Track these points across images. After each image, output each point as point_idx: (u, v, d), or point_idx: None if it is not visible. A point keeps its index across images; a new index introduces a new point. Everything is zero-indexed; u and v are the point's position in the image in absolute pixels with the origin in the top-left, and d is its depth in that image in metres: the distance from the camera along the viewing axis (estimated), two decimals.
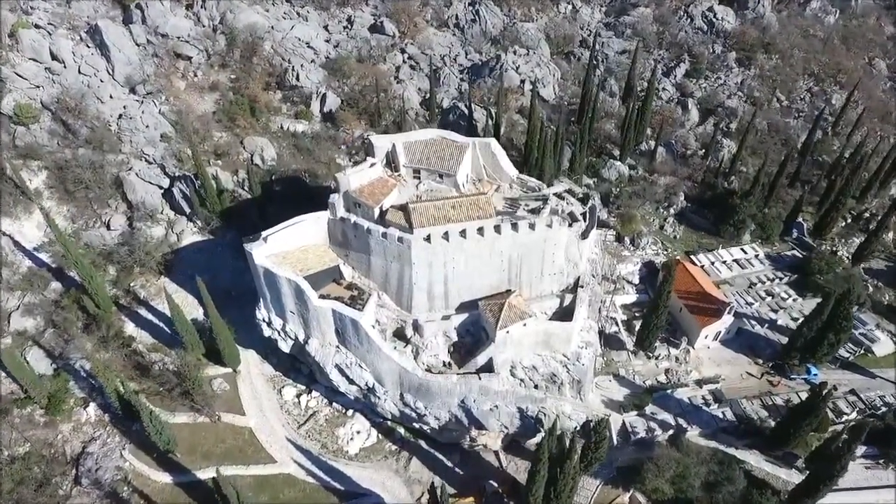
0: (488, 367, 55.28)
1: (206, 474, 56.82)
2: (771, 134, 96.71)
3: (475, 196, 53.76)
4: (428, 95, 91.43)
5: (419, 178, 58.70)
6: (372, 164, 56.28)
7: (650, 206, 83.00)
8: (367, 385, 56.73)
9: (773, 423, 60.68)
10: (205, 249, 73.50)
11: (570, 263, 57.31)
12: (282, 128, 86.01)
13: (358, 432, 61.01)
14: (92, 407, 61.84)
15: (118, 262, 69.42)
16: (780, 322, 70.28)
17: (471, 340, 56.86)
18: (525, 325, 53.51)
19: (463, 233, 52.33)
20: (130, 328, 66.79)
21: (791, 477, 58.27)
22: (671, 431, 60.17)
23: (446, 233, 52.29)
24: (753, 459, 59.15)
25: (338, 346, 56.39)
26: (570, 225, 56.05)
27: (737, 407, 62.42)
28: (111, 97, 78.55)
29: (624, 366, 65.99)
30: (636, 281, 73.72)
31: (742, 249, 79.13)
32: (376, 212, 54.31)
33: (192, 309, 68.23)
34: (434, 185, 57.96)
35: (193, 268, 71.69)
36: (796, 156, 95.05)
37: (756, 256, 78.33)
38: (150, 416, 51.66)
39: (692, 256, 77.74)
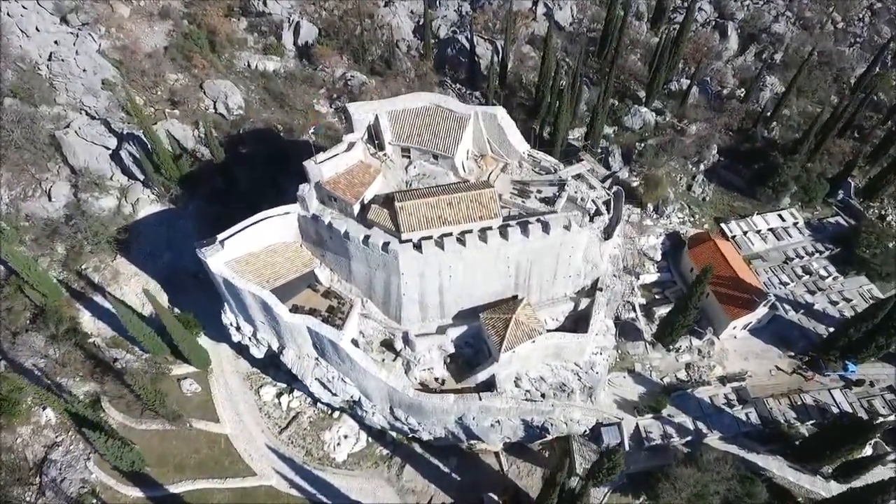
0: (490, 383, 48.45)
1: (179, 488, 52.09)
2: (821, 67, 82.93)
3: (477, 191, 43.62)
4: (422, 21, 76.88)
5: (409, 156, 48.07)
6: (349, 146, 45.43)
7: (677, 161, 71.98)
8: (352, 398, 50.21)
9: (800, 427, 55.49)
10: (165, 221, 63.91)
11: (589, 264, 48.46)
12: (249, 66, 72.84)
13: (345, 436, 55.54)
14: (49, 408, 55.79)
15: (66, 240, 60.32)
16: (816, 306, 62.59)
17: (470, 351, 49.52)
18: (534, 342, 45.75)
19: (462, 239, 42.96)
20: (86, 318, 59.06)
21: (815, 486, 53.74)
22: (689, 438, 54.81)
23: (441, 237, 43.01)
24: (776, 466, 54.26)
25: (317, 359, 49.09)
26: (590, 219, 46.44)
27: (762, 407, 56.53)
28: (38, 30, 64.73)
29: (640, 360, 59.22)
30: (658, 257, 64.92)
31: (779, 216, 69.48)
32: (356, 207, 44.54)
33: (154, 295, 60.05)
34: (427, 167, 47.52)
35: (153, 245, 62.84)
36: (847, 93, 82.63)
37: (795, 224, 68.90)
38: (107, 445, 45.44)
39: (723, 225, 68.30)
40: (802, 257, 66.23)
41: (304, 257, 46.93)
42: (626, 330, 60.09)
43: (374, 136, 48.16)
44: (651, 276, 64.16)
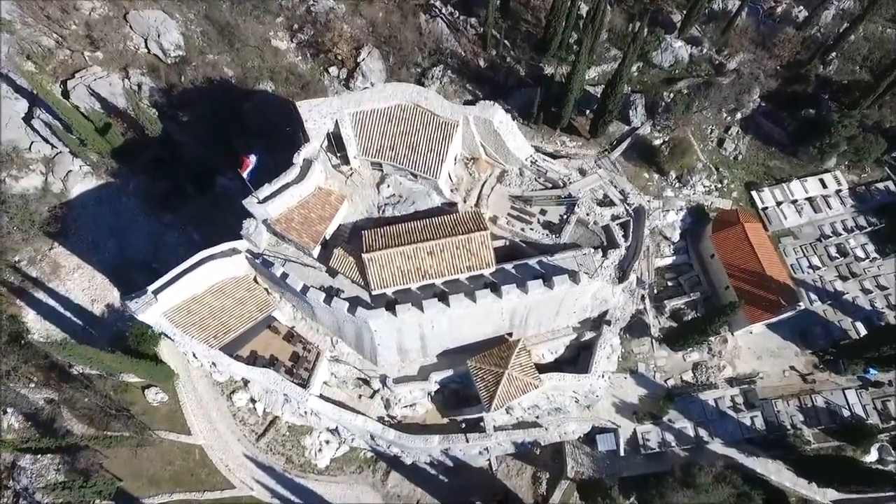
0: (478, 420, 44.07)
1: (156, 500, 50.47)
2: None
3: (465, 235, 34.76)
4: None
5: (382, 169, 38.20)
6: (301, 173, 35.45)
7: (711, 111, 60.19)
8: (328, 428, 46.21)
9: (806, 432, 52.48)
10: (105, 200, 54.68)
11: (598, 300, 41.06)
12: None
13: (327, 442, 52.44)
14: (10, 413, 52.29)
15: None
16: (846, 296, 56.10)
17: (458, 386, 44.26)
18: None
19: (445, 296, 35.24)
20: (32, 317, 52.87)
21: (811, 490, 52.25)
22: (689, 446, 52.10)
23: (421, 288, 35.32)
24: (774, 470, 52.31)
25: (286, 395, 43.95)
26: (603, 253, 38.12)
27: (769, 410, 53.05)
28: None
29: (644, 359, 54.14)
30: (675, 237, 56.77)
31: (821, 180, 59.86)
32: (316, 250, 36.05)
33: (104, 292, 53.45)
34: (406, 186, 38.02)
35: (95, 230, 54.35)
36: None
37: (838, 192, 59.60)
38: (63, 494, 42.16)
39: (754, 194, 59.08)
40: (840, 234, 58.10)
41: (258, 298, 39.37)
42: (631, 325, 54.22)
43: (335, 144, 37.75)
44: (665, 259, 56.67)
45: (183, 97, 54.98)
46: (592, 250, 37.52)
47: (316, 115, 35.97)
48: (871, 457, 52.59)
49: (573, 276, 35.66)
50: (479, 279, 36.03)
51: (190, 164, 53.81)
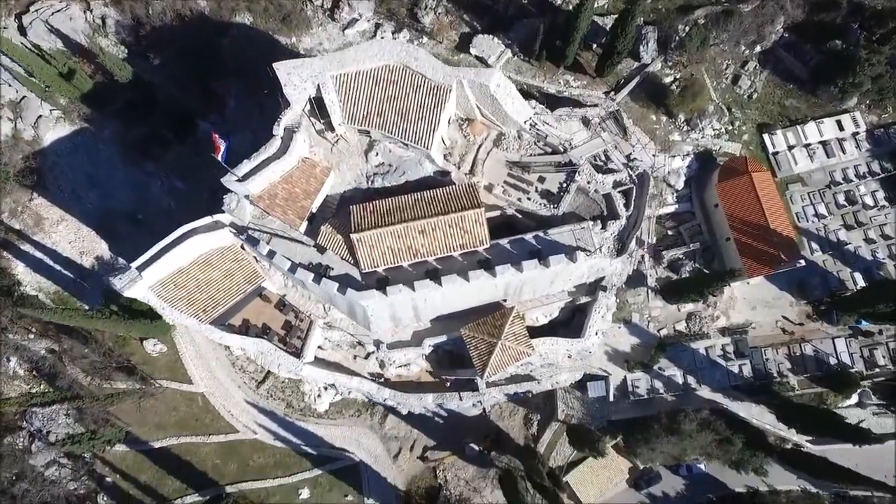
0: (471, 380, 44.88)
1: (164, 443, 52.89)
2: None
3: (458, 213, 33.01)
4: None
5: (369, 134, 35.63)
6: (283, 146, 32.93)
7: (728, 44, 55.48)
8: (325, 383, 47.20)
9: (792, 378, 53.92)
10: (82, 148, 51.94)
11: (595, 269, 39.97)
12: None
13: (325, 388, 54.16)
14: (14, 362, 53.29)
15: None
16: (849, 246, 55.01)
17: (451, 347, 44.50)
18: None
19: (438, 274, 34.23)
20: (21, 269, 52.20)
21: (791, 433, 54.66)
22: (677, 392, 53.71)
23: (413, 265, 34.32)
24: (757, 413, 54.50)
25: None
26: (602, 227, 36.59)
27: (758, 358, 54.10)
28: None
29: (639, 309, 54.18)
30: (680, 185, 54.58)
31: (838, 122, 56.49)
32: (302, 227, 34.50)
33: (91, 244, 52.35)
34: (396, 153, 35.73)
35: (74, 180, 52.23)
36: None
37: (854, 135, 56.50)
38: (72, 448, 43.88)
39: (766, 137, 56.06)
40: (851, 181, 55.88)
41: (246, 268, 38.12)
42: (628, 276, 53.67)
43: (318, 109, 34.85)
44: (667, 207, 54.93)
45: (153, 32, 50.28)
46: (591, 224, 35.88)
47: (296, 79, 32.72)
48: (851, 400, 54.48)
49: (570, 254, 34.37)
50: (473, 255, 34.83)
51: (165, 107, 50.45)
